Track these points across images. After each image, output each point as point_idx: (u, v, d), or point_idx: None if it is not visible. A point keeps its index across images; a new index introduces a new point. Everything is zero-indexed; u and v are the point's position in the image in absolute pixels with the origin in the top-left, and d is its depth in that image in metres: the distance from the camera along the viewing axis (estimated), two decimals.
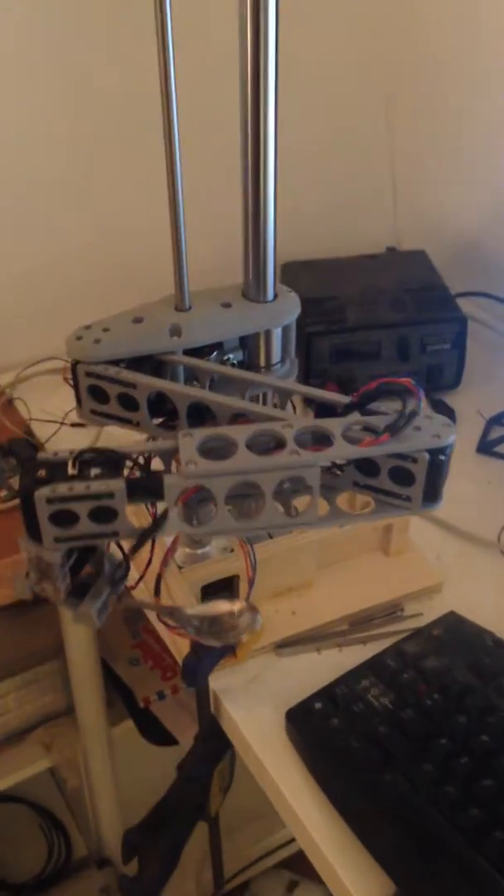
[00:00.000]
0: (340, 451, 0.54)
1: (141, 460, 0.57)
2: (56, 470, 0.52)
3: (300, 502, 0.56)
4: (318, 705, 0.65)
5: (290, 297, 0.65)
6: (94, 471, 0.53)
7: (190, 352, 0.63)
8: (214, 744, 0.71)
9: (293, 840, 1.59)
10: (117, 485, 0.52)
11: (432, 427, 0.55)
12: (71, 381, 1.02)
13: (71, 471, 0.53)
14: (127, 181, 1.06)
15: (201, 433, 0.54)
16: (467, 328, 0.98)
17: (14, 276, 1.07)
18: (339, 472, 0.57)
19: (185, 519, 0.55)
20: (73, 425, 0.97)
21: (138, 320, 0.62)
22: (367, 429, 0.55)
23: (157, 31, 0.54)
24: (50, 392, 1.02)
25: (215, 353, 0.64)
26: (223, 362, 0.64)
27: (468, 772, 0.57)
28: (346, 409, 0.57)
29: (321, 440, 0.55)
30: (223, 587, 0.74)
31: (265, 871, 1.60)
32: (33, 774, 1.10)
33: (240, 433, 0.54)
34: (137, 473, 0.55)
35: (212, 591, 0.74)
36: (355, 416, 0.56)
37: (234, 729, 0.68)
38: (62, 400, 1.00)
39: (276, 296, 0.64)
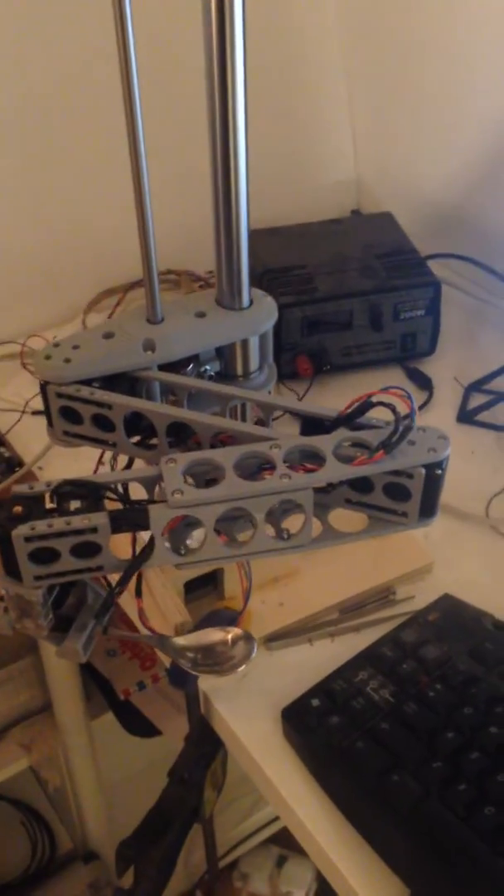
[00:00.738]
0: (333, 472, 0.51)
1: (121, 489, 0.53)
2: (33, 504, 0.49)
3: (291, 522, 0.54)
4: (315, 702, 0.61)
5: (266, 302, 0.61)
6: (74, 503, 0.50)
7: (165, 366, 0.59)
8: (205, 745, 0.68)
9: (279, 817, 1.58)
10: (100, 518, 0.49)
11: (427, 440, 0.52)
12: (29, 367, 0.97)
13: (49, 504, 0.50)
14: (83, 165, 1.01)
15: (185, 458, 0.52)
16: (441, 292, 0.94)
17: None
18: (330, 490, 0.54)
19: (172, 548, 0.52)
20: (35, 413, 0.92)
21: (109, 335, 0.58)
22: (359, 444, 0.52)
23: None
24: (7, 379, 0.97)
25: (191, 365, 0.60)
26: (200, 374, 0.61)
27: (480, 768, 0.55)
28: (335, 424, 0.54)
29: (311, 458, 0.52)
30: (206, 582, 0.71)
31: (253, 849, 1.59)
32: (14, 774, 1.07)
33: (226, 456, 0.52)
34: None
35: (195, 586, 0.70)
36: (345, 432, 0.53)
37: (226, 731, 0.65)
38: (21, 386, 0.95)
39: (251, 302, 0.60)
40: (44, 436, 0.88)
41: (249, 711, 0.64)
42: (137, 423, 0.58)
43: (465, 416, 0.91)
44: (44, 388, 0.58)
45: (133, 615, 0.68)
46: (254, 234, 1.06)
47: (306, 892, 1.55)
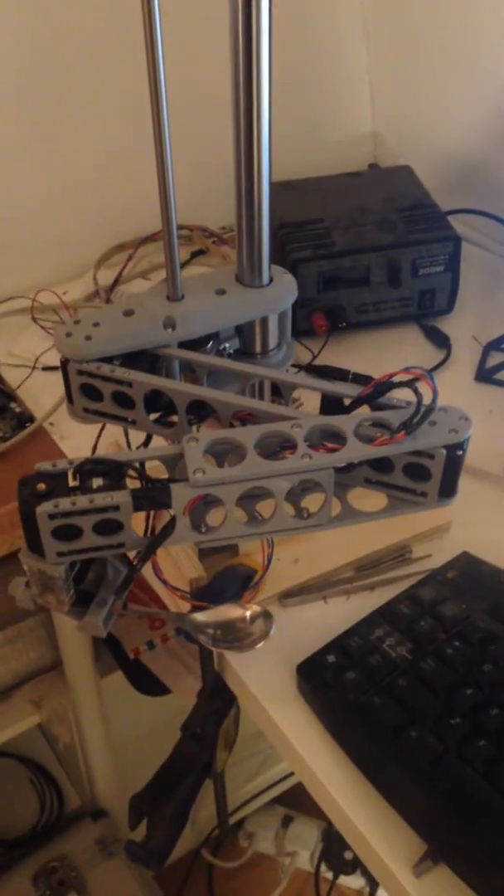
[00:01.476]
0: (354, 452, 0.51)
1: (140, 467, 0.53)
2: (56, 482, 0.50)
3: (310, 501, 0.54)
4: (330, 658, 0.61)
5: (285, 279, 0.61)
6: (97, 481, 0.50)
7: (185, 343, 0.59)
8: (218, 702, 0.67)
9: (286, 777, 1.59)
10: (123, 497, 0.49)
11: (448, 421, 0.52)
12: (39, 321, 0.96)
13: (72, 482, 0.50)
14: (92, 120, 0.99)
15: (206, 437, 0.51)
16: (461, 248, 0.92)
17: None
18: (350, 470, 0.53)
19: (193, 526, 0.52)
20: (46, 369, 0.91)
21: (129, 313, 0.58)
22: (379, 424, 0.52)
23: None
24: (17, 334, 0.95)
25: (211, 342, 0.60)
26: (220, 351, 0.61)
27: (500, 724, 0.54)
28: (355, 404, 0.54)
29: (332, 437, 0.52)
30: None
31: (259, 808, 1.60)
32: (23, 731, 1.07)
33: (247, 435, 0.51)
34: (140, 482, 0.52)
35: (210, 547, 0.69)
36: (366, 412, 0.53)
37: (240, 686, 0.64)
38: (31, 342, 0.94)
39: (271, 279, 0.60)
40: (55, 391, 0.88)
41: (263, 667, 0.64)
42: (157, 401, 0.58)
43: (484, 375, 0.89)
44: (64, 365, 0.58)
45: (147, 569, 0.67)
46: (270, 187, 1.04)
47: (311, 853, 1.56)
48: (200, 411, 0.58)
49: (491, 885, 0.50)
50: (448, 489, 0.54)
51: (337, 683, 0.59)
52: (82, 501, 0.49)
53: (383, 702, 0.57)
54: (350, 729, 0.58)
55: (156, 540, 0.51)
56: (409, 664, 0.59)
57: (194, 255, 1.08)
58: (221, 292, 0.59)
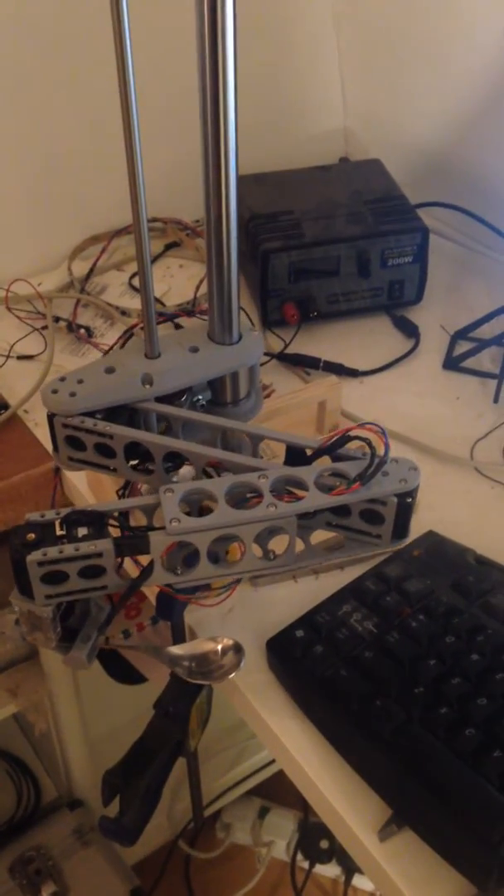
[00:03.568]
0: (314, 501, 0.56)
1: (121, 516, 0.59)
2: (44, 531, 0.54)
3: (276, 542, 0.59)
4: (299, 633, 0.62)
5: (253, 336, 0.65)
6: (81, 530, 0.55)
7: (161, 398, 0.64)
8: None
9: (263, 768, 1.60)
10: (105, 545, 0.54)
11: (399, 471, 0.58)
12: (13, 311, 0.97)
13: (59, 531, 0.55)
14: (68, 111, 0.99)
15: (181, 488, 0.56)
16: (429, 239, 0.94)
17: None
18: (312, 516, 0.59)
19: (168, 569, 0.57)
20: (20, 358, 0.92)
21: (110, 370, 0.63)
22: (338, 474, 0.57)
23: None
24: None
25: (185, 395, 0.65)
26: (193, 403, 0.67)
27: (461, 693, 0.55)
28: (316, 455, 0.60)
29: (295, 485, 0.57)
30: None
31: (236, 800, 1.62)
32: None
33: (218, 486, 0.56)
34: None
35: None
36: (326, 465, 0.58)
37: None
38: (5, 332, 0.95)
39: (240, 337, 0.64)
40: (29, 380, 0.89)
41: None
42: (136, 450, 0.63)
43: (451, 363, 0.91)
44: (51, 419, 0.63)
45: None
46: (241, 180, 1.05)
47: (288, 843, 1.58)
48: (176, 459, 0.63)
49: (452, 845, 0.51)
50: (400, 531, 0.59)
51: (305, 657, 0.60)
52: (69, 550, 0.53)
53: (350, 673, 0.58)
54: (318, 700, 0.59)
55: (135, 583, 0.56)
56: (374, 637, 0.61)
57: (168, 247, 1.09)
58: (195, 350, 0.64)
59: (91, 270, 1.02)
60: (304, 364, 0.91)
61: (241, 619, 0.67)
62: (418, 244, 0.94)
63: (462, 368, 0.91)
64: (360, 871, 1.56)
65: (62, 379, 0.63)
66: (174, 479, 0.66)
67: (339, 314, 0.96)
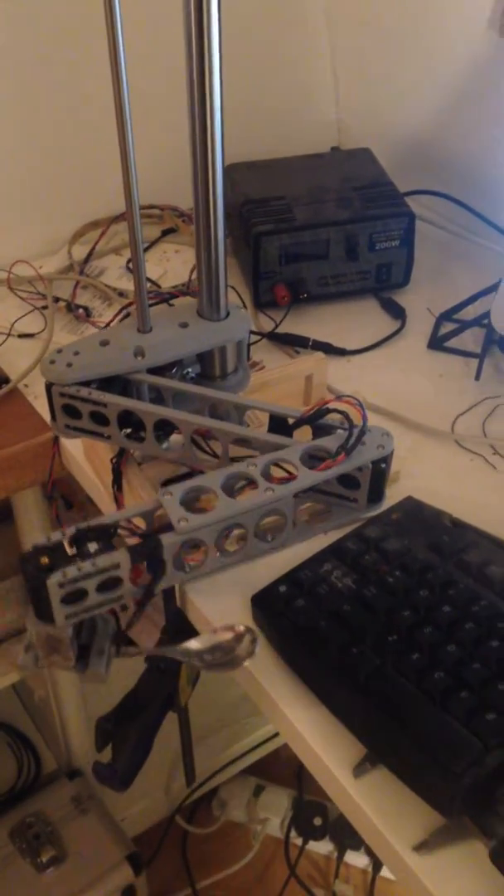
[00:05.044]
0: (307, 479, 0.61)
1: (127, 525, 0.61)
2: (55, 553, 0.55)
3: (268, 522, 0.64)
4: (282, 588, 0.65)
5: (241, 314, 0.70)
6: (92, 545, 0.56)
7: (153, 369, 0.68)
8: (181, 637, 0.72)
9: (258, 746, 1.64)
10: (122, 555, 0.56)
11: (374, 439, 0.62)
12: (15, 291, 1.00)
13: (69, 550, 0.56)
14: (71, 97, 1.03)
15: (180, 489, 0.60)
16: (415, 223, 0.97)
17: None
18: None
19: (176, 568, 0.60)
20: (21, 336, 0.95)
21: (105, 343, 0.67)
22: (318, 449, 0.62)
23: None
24: None
25: (175, 368, 0.69)
26: (183, 375, 0.70)
27: (433, 640, 0.59)
28: (297, 424, 0.64)
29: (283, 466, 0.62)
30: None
31: (232, 778, 1.65)
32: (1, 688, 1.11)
33: (212, 480, 0.60)
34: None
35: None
36: (306, 443, 0.62)
37: (200, 619, 0.69)
38: (7, 310, 0.99)
39: (228, 313, 0.69)
40: (29, 357, 0.92)
41: (223, 602, 0.68)
42: (129, 419, 0.66)
43: (436, 343, 0.95)
44: (49, 388, 0.66)
45: (112, 510, 0.72)
46: (234, 168, 1.09)
47: (282, 820, 1.62)
48: (166, 428, 0.67)
49: (420, 778, 0.55)
50: (376, 496, 0.64)
51: (287, 610, 0.64)
52: (86, 566, 0.55)
53: (329, 624, 0.62)
54: (299, 649, 0.63)
55: (150, 587, 0.59)
56: (353, 592, 0.64)
57: (165, 233, 1.13)
58: (185, 325, 0.68)
59: (90, 254, 1.06)
60: (293, 343, 0.94)
61: (229, 579, 0.70)
62: (405, 228, 0.97)
63: (446, 348, 0.94)
64: (353, 849, 1.59)
65: (59, 351, 0.67)
66: (164, 446, 0.70)
67: (328, 296, 1.00)
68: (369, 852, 1.57)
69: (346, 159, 1.09)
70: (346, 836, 1.58)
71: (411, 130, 1.12)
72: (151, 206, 1.13)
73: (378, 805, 0.56)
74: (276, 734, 1.66)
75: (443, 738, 0.54)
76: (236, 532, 0.64)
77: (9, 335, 0.95)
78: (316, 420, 0.63)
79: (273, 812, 1.63)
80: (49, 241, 1.09)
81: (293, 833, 1.60)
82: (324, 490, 0.63)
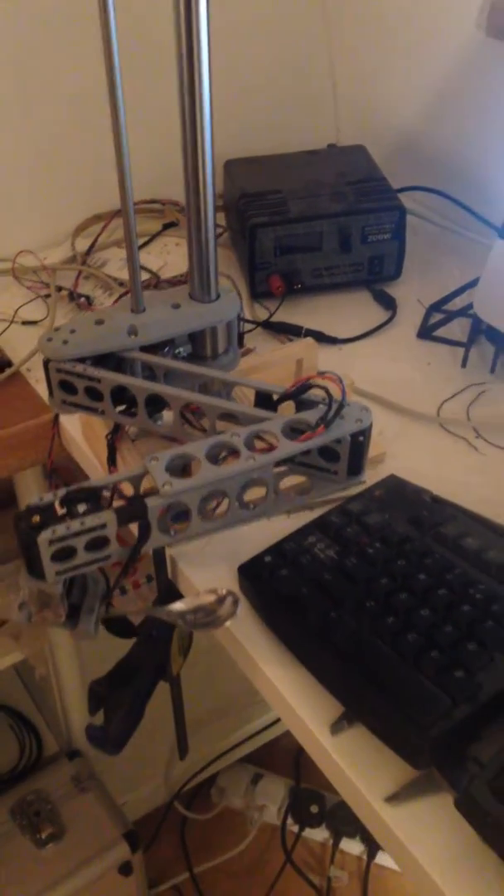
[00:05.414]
0: (286, 449, 0.63)
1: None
2: (47, 512, 0.59)
3: (252, 493, 0.66)
4: (267, 559, 0.68)
5: (230, 296, 0.73)
6: (81, 506, 0.59)
7: (146, 348, 0.71)
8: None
9: (256, 734, 1.67)
10: (108, 516, 0.59)
11: (353, 413, 0.64)
12: (23, 282, 1.04)
13: (59, 510, 0.59)
14: (78, 91, 1.06)
15: (166, 455, 0.62)
16: (406, 217, 1.00)
17: None
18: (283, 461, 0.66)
19: (162, 530, 0.63)
20: (24, 323, 0.99)
21: (100, 322, 0.70)
22: (299, 422, 0.64)
23: None
24: (0, 291, 1.03)
25: (168, 347, 0.72)
26: (175, 355, 0.73)
27: (408, 605, 0.62)
28: (281, 399, 0.67)
29: (264, 439, 0.64)
30: None
31: (231, 766, 1.68)
32: (2, 669, 1.15)
33: (197, 448, 0.63)
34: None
35: None
36: (288, 416, 0.65)
37: (189, 588, 0.72)
38: (11, 299, 1.02)
39: (218, 296, 0.71)
40: (31, 342, 0.96)
41: (211, 572, 0.71)
42: (122, 395, 0.69)
43: (425, 333, 0.98)
44: (46, 364, 0.69)
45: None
46: (233, 163, 1.13)
47: (279, 807, 1.64)
48: (157, 404, 0.70)
49: (392, 731, 0.58)
50: (356, 468, 0.66)
51: (271, 579, 0.67)
52: (75, 525, 0.58)
53: (310, 591, 0.65)
54: (281, 615, 0.66)
55: (135, 549, 0.62)
56: (334, 563, 0.67)
57: (166, 226, 1.16)
58: (176, 306, 0.71)
59: (92, 245, 1.09)
60: (287, 332, 0.97)
61: (218, 551, 0.74)
62: (396, 222, 1.00)
63: (434, 337, 0.97)
64: (349, 836, 1.62)
65: (57, 329, 0.71)
66: (157, 422, 0.73)
67: (322, 287, 1.03)
68: (364, 840, 1.60)
69: (341, 156, 1.12)
70: (341, 823, 1.60)
71: (405, 128, 1.16)
72: (153, 201, 1.17)
73: (353, 760, 0.59)
74: (274, 723, 1.69)
75: (413, 694, 0.57)
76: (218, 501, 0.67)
77: (12, 322, 0.98)
78: (299, 395, 0.66)
79: (270, 800, 1.66)
80: (53, 233, 1.13)
81: (290, 820, 1.63)
82: (305, 462, 0.66)
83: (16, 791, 1.27)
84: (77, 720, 1.28)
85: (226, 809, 1.67)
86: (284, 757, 1.69)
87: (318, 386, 0.66)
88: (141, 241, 1.13)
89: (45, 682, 1.22)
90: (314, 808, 1.63)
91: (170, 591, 0.74)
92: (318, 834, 1.63)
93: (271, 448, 0.64)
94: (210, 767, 1.65)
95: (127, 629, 1.15)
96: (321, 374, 0.66)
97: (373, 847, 1.58)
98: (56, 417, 0.86)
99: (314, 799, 1.63)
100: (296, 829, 1.62)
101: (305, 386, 0.66)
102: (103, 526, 0.59)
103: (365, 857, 1.59)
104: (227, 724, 1.67)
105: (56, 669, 1.18)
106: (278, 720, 1.69)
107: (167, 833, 1.61)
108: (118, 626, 1.17)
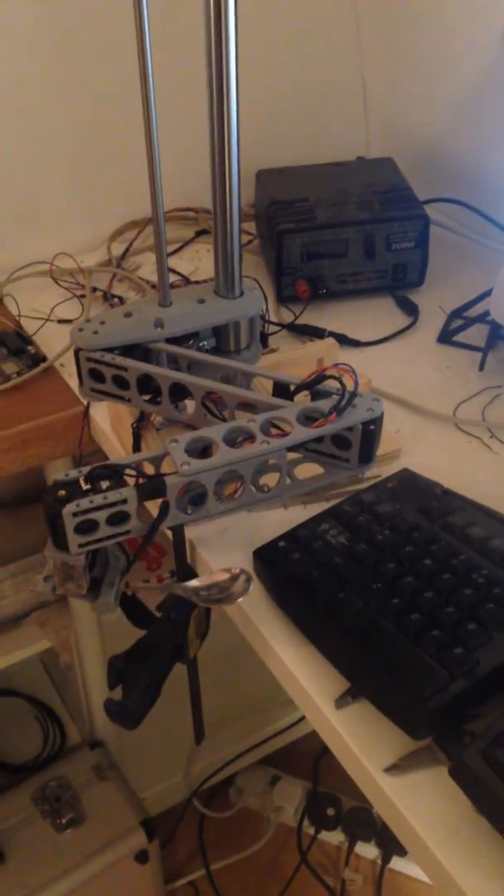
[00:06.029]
0: (299, 435, 0.67)
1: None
2: (72, 487, 0.62)
3: (266, 479, 0.69)
4: (281, 544, 0.72)
5: (254, 293, 0.76)
6: (104, 483, 0.63)
7: (171, 340, 0.75)
8: None
9: (274, 736, 1.69)
10: (129, 492, 0.63)
11: (365, 403, 0.68)
12: (60, 283, 1.09)
13: (84, 486, 0.63)
14: (121, 99, 1.11)
15: (185, 437, 0.66)
16: (429, 226, 1.04)
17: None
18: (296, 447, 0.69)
19: (180, 509, 0.66)
20: (60, 321, 1.03)
21: (128, 314, 0.74)
22: (314, 410, 0.67)
23: None
24: (39, 292, 1.08)
25: (192, 340, 0.76)
26: (199, 348, 0.77)
27: (413, 588, 0.65)
28: (298, 389, 0.71)
29: (280, 426, 0.68)
30: None
31: (249, 767, 1.71)
32: (29, 657, 1.19)
33: (215, 432, 0.66)
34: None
35: None
36: (304, 404, 0.68)
37: (207, 570, 0.75)
38: (49, 298, 1.07)
39: (242, 293, 0.75)
40: (66, 340, 1.00)
41: (228, 557, 0.75)
42: (147, 385, 0.73)
43: (445, 337, 1.01)
44: (77, 353, 0.73)
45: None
46: (264, 173, 1.17)
47: (296, 809, 1.66)
48: (181, 393, 0.73)
49: (394, 704, 0.60)
50: (366, 456, 0.69)
51: (284, 562, 0.70)
52: (98, 499, 0.62)
53: (320, 573, 0.68)
54: (292, 596, 0.69)
55: (154, 525, 0.65)
56: (345, 548, 0.70)
57: (199, 233, 1.21)
58: (202, 301, 0.75)
59: (127, 250, 1.14)
60: (310, 334, 1.01)
61: (236, 536, 0.77)
62: (420, 231, 1.04)
63: (454, 342, 1.00)
64: (364, 840, 1.63)
65: (88, 321, 0.75)
66: (180, 411, 0.77)
67: (346, 293, 1.07)
68: (379, 845, 1.61)
69: (369, 167, 1.16)
70: (357, 827, 1.62)
71: (431, 141, 1.19)
72: (187, 209, 1.21)
73: (356, 733, 0.62)
74: (293, 725, 1.71)
75: (413, 668, 0.60)
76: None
77: (48, 319, 1.03)
78: (314, 385, 0.70)
79: (287, 801, 1.68)
80: (91, 238, 1.18)
81: (306, 822, 1.65)
82: (318, 450, 0.70)
83: (38, 777, 1.30)
84: (99, 711, 1.32)
85: (243, 809, 1.69)
86: (302, 760, 1.71)
87: (333, 377, 0.69)
88: (174, 247, 1.17)
89: (69, 671, 1.26)
90: (330, 811, 1.65)
91: (189, 573, 0.77)
92: (334, 837, 1.64)
93: (286, 435, 0.67)
94: (229, 767, 1.68)
95: (145, 619, 1.19)
96: (335, 365, 0.69)
97: (387, 852, 1.59)
98: (87, 409, 0.90)
99: (331, 802, 1.65)
100: (312, 831, 1.64)
101: (320, 377, 0.70)
102: (124, 501, 0.63)
103: (379, 861, 1.60)
104: (247, 726, 1.69)
105: (81, 660, 1.22)
106: (297, 723, 1.72)
107: (185, 830, 1.63)
108: (137, 614, 1.21)
